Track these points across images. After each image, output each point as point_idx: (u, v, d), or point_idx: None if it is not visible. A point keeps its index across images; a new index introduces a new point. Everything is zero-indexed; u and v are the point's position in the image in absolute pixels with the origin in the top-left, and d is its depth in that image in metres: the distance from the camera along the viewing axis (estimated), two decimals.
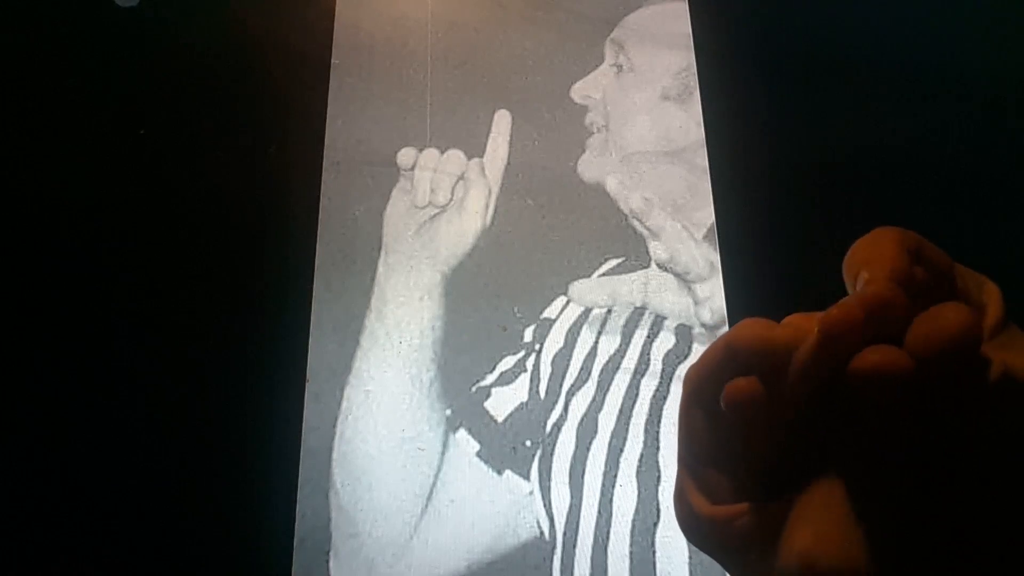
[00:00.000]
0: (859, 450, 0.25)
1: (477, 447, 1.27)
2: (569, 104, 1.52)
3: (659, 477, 1.26)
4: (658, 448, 1.27)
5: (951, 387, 0.23)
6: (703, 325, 1.35)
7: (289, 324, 1.32)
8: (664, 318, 1.36)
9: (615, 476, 1.25)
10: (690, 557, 1.22)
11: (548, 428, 1.29)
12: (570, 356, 1.33)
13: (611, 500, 1.24)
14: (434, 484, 1.25)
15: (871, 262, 0.24)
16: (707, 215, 1.43)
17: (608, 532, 1.23)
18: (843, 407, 0.25)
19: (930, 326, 0.22)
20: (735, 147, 1.47)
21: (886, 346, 0.22)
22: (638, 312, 1.36)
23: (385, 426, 1.27)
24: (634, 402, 1.30)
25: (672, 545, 1.22)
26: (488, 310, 1.36)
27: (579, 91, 1.53)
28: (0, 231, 1.33)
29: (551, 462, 1.26)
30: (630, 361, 1.32)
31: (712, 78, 1.53)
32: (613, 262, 1.40)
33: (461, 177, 1.44)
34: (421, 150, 1.45)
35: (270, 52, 1.48)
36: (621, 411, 1.29)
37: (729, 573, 0.29)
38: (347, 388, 1.29)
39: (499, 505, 1.25)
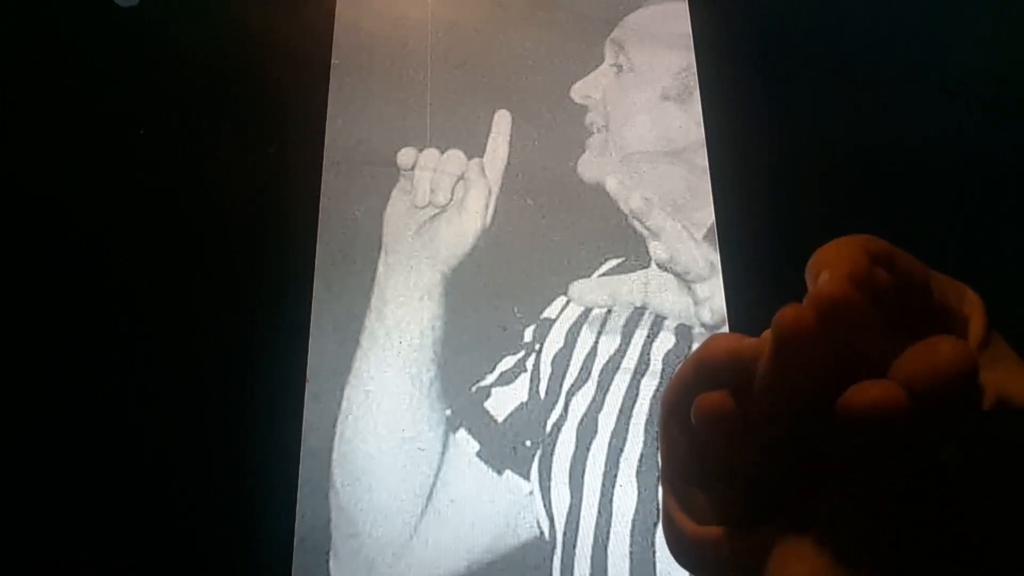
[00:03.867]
0: (851, 485, 0.24)
1: (477, 447, 1.27)
2: (569, 104, 1.52)
3: (659, 477, 1.26)
4: (658, 448, 1.27)
5: (946, 420, 0.22)
6: (703, 325, 1.35)
7: (289, 324, 1.32)
8: (664, 318, 1.36)
9: (615, 476, 1.25)
10: None
11: (548, 428, 1.29)
12: (570, 356, 1.33)
13: (611, 500, 1.24)
14: (434, 484, 1.25)
15: (829, 264, 0.23)
16: (707, 215, 1.43)
17: (608, 532, 1.23)
18: (826, 432, 0.24)
19: (924, 361, 0.21)
20: (735, 147, 1.47)
21: (881, 381, 0.21)
22: (638, 312, 1.36)
23: (385, 426, 1.27)
24: (634, 402, 1.30)
25: None
26: (488, 310, 1.36)
27: (579, 91, 1.53)
28: (0, 231, 1.33)
29: (551, 462, 1.26)
30: (630, 361, 1.32)
31: (712, 78, 1.53)
32: (613, 262, 1.40)
33: (461, 177, 1.44)
34: (421, 150, 1.45)
35: (270, 52, 1.48)
36: (621, 411, 1.29)
37: None
38: (347, 388, 1.29)
39: (499, 505, 1.25)
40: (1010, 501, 0.23)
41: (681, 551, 0.29)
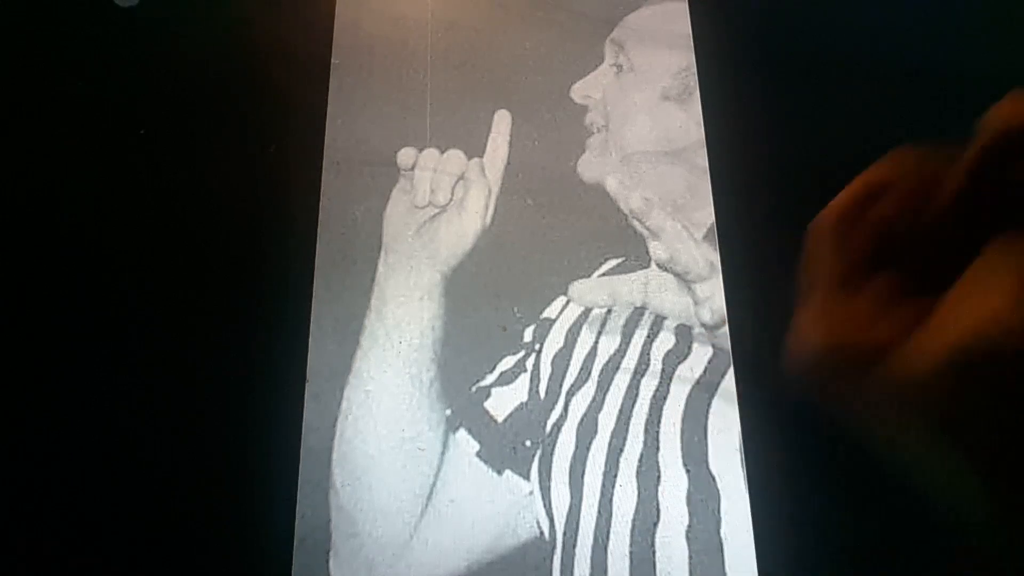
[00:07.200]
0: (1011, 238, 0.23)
1: (477, 447, 1.27)
2: (569, 104, 1.52)
3: (659, 477, 1.26)
4: (658, 448, 1.27)
5: None
6: (703, 325, 1.35)
7: (289, 324, 1.32)
8: (664, 318, 1.36)
9: (615, 476, 1.25)
10: (690, 557, 1.22)
11: (548, 428, 1.28)
12: (570, 356, 1.33)
13: (611, 500, 1.24)
14: (434, 484, 1.25)
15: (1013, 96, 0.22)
16: (707, 215, 1.43)
17: (608, 532, 1.23)
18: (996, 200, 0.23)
19: None
20: (735, 147, 1.47)
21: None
22: (638, 312, 1.36)
23: (385, 426, 1.27)
24: (634, 402, 1.30)
25: (672, 545, 1.22)
26: (488, 310, 1.36)
27: (579, 91, 1.53)
28: None
29: (551, 462, 1.26)
30: (630, 361, 1.32)
31: (712, 78, 1.53)
32: (613, 262, 1.40)
33: (461, 177, 1.44)
34: (421, 150, 1.45)
35: (270, 52, 1.48)
36: (621, 411, 1.29)
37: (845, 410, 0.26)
38: (347, 388, 1.29)
39: (499, 505, 1.25)
40: None
41: (826, 361, 0.28)
